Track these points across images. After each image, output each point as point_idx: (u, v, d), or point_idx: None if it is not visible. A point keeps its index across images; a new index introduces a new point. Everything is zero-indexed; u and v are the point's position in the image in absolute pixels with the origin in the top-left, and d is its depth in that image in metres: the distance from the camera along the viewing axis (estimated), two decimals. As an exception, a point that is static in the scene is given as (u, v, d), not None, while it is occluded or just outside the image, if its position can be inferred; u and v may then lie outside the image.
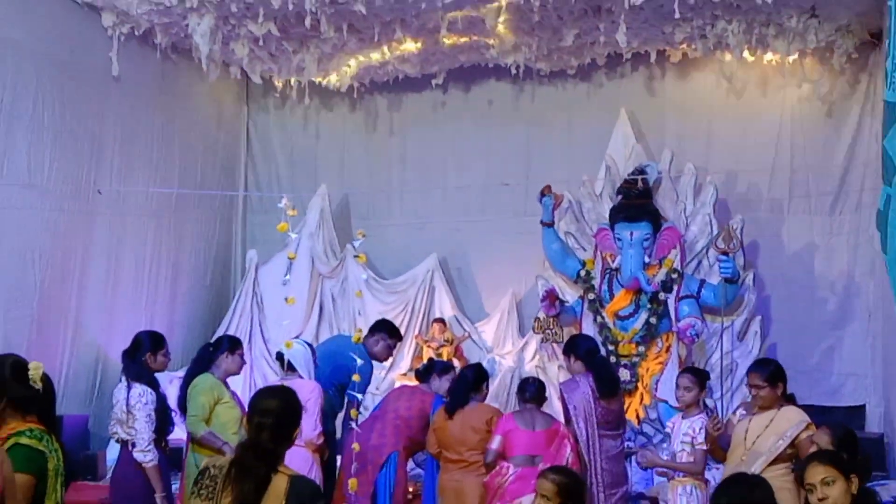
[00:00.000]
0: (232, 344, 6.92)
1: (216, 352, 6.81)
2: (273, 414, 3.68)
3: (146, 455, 6.24)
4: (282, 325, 9.77)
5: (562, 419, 7.13)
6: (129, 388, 6.35)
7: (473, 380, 7.13)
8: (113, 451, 8.72)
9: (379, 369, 9.42)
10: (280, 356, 7.57)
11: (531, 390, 6.88)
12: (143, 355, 6.50)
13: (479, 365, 7.80)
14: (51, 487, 3.92)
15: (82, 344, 9.15)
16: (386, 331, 7.87)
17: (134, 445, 6.28)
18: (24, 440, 3.86)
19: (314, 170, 11.37)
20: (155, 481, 6.29)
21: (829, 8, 8.58)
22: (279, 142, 11.73)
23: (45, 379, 4.12)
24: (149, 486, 6.29)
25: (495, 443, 6.59)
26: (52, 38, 8.70)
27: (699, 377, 6.97)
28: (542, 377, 9.53)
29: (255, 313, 10.60)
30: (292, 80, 10.48)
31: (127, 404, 6.30)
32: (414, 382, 8.03)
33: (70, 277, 9.02)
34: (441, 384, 7.56)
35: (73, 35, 8.96)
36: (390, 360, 8.44)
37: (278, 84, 10.67)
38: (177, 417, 6.73)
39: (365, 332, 7.71)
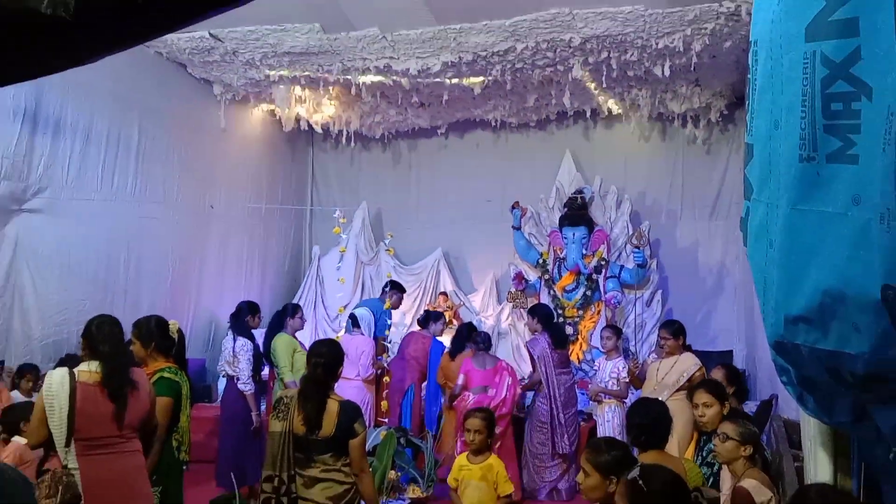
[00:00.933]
0: (293, 309, 6.97)
1: (285, 316, 6.85)
2: (324, 357, 3.74)
3: (246, 386, 6.35)
4: (336, 297, 9.85)
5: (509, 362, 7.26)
6: (234, 339, 6.46)
7: (466, 333, 7.21)
8: (222, 384, 8.85)
9: (401, 328, 9.55)
10: (352, 317, 7.66)
11: (483, 340, 6.97)
12: (244, 317, 6.61)
13: (470, 323, 7.86)
14: (183, 406, 4.00)
15: (200, 310, 9.22)
16: (396, 288, 8.04)
17: (238, 379, 6.37)
18: (165, 374, 3.95)
19: (357, 191, 11.40)
20: (252, 404, 6.38)
21: (708, 80, 8.62)
22: (334, 172, 11.75)
23: (180, 332, 4.20)
24: (247, 407, 6.38)
25: (460, 380, 6.71)
26: (179, 102, 8.74)
27: (615, 331, 7.07)
28: (512, 332, 9.69)
29: (317, 289, 10.68)
30: (343, 130, 10.50)
31: (233, 351, 6.41)
32: (418, 329, 8.06)
33: (192, 265, 9.08)
34: (436, 327, 7.66)
35: (193, 100, 9.01)
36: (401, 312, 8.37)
37: (333, 132, 10.70)
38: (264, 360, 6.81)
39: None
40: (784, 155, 1.76)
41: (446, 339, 7.79)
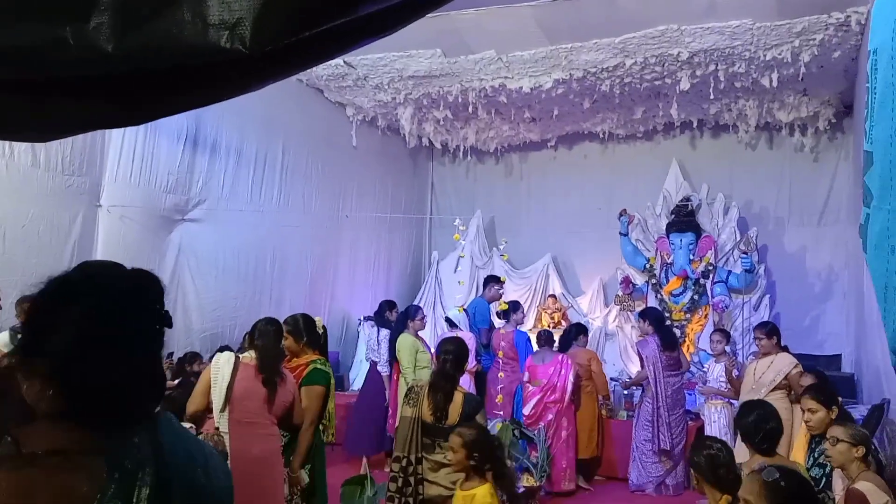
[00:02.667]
0: (415, 311, 7.10)
1: (407, 318, 7.00)
2: (452, 353, 3.80)
3: (384, 369, 6.76)
4: (454, 298, 9.93)
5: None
6: (378, 331, 6.95)
7: (575, 333, 7.12)
8: (354, 372, 9.14)
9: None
10: (448, 319, 7.78)
11: (542, 339, 6.93)
12: (384, 312, 7.05)
13: (579, 324, 7.73)
14: (331, 393, 4.14)
15: (335, 308, 9.53)
16: (492, 280, 7.99)
17: (378, 363, 6.84)
18: (318, 365, 4.11)
19: (473, 201, 11.45)
20: (386, 384, 6.78)
21: (816, 89, 8.16)
22: (451, 184, 11.86)
23: (324, 328, 4.38)
24: (383, 387, 6.75)
25: (525, 376, 6.78)
26: (316, 123, 9.09)
27: (725, 335, 6.79)
28: (619, 334, 9.45)
29: (436, 291, 10.80)
30: (460, 146, 10.59)
31: (377, 340, 6.90)
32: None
33: (327, 268, 9.41)
34: (516, 317, 7.45)
35: (328, 120, 9.33)
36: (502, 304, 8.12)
37: (451, 147, 10.81)
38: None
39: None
40: (908, 161, 1.64)
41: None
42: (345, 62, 7.85)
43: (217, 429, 3.67)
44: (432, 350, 6.32)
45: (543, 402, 6.69)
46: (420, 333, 7.09)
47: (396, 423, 3.97)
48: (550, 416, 6.64)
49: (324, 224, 9.24)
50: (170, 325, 1.17)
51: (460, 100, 8.59)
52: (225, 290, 7.65)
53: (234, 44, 1.10)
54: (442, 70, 7.81)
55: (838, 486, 3.51)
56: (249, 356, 3.83)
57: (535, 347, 7.13)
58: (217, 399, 3.70)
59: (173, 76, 1.28)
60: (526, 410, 6.72)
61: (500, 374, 7.10)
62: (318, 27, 1.05)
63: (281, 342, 3.97)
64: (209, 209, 7.54)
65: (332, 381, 4.19)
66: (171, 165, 7.11)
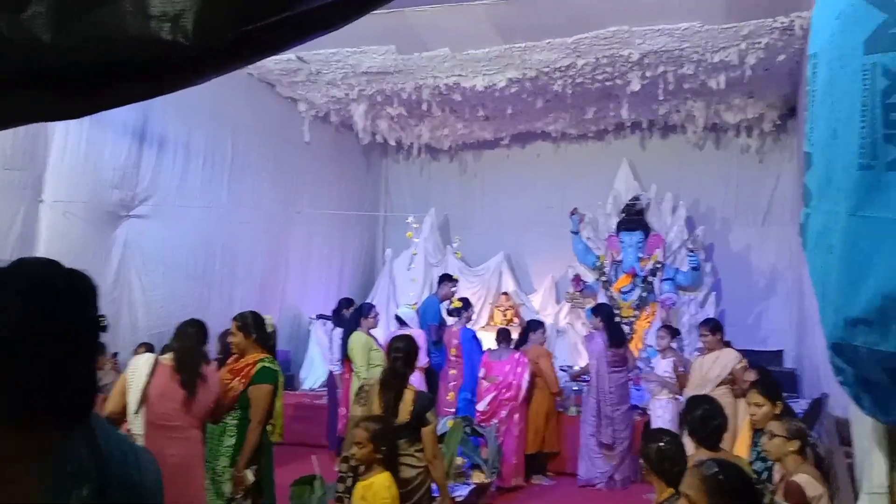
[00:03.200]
0: (368, 309, 7.08)
1: (360, 316, 6.98)
2: (402, 350, 3.79)
3: (336, 367, 6.97)
4: (408, 295, 9.92)
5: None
6: (333, 329, 7.08)
7: (532, 328, 7.23)
8: (304, 372, 9.06)
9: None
10: (397, 317, 7.81)
11: (500, 337, 7.04)
12: (341, 310, 7.06)
13: (534, 320, 7.80)
14: (279, 392, 4.09)
15: (286, 306, 9.41)
16: (446, 279, 8.05)
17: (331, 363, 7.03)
18: (266, 364, 4.06)
19: (427, 199, 11.43)
20: (339, 383, 6.91)
21: (762, 92, 8.39)
22: (406, 181, 11.83)
23: (273, 328, 4.33)
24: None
25: (481, 372, 6.89)
26: (268, 119, 8.96)
27: (670, 331, 6.95)
28: (570, 330, 9.58)
29: (390, 289, 10.75)
30: (414, 143, 10.57)
31: (329, 339, 7.04)
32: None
33: (279, 265, 9.29)
34: (467, 314, 7.50)
35: (280, 116, 9.21)
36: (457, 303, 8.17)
37: (405, 144, 10.78)
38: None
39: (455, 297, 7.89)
40: (843, 163, 1.70)
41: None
42: (297, 57, 7.76)
43: (129, 430, 3.66)
44: (386, 348, 6.31)
45: (498, 399, 6.75)
46: (373, 331, 7.07)
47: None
48: (504, 413, 6.71)
49: (275, 221, 9.12)
50: (104, 329, 1.15)
51: (414, 97, 8.57)
52: (172, 287, 7.49)
53: (176, 36, 1.08)
54: (396, 67, 7.78)
55: (778, 478, 3.62)
56: (169, 357, 3.85)
57: (494, 345, 7.17)
58: (132, 400, 3.70)
59: (116, 67, 1.24)
60: (480, 407, 6.76)
61: (452, 371, 7.13)
62: (261, 21, 1.04)
63: (204, 343, 3.95)
64: (156, 205, 7.37)
65: (282, 379, 4.14)
66: (116, 160, 6.91)
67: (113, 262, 6.97)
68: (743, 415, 5.04)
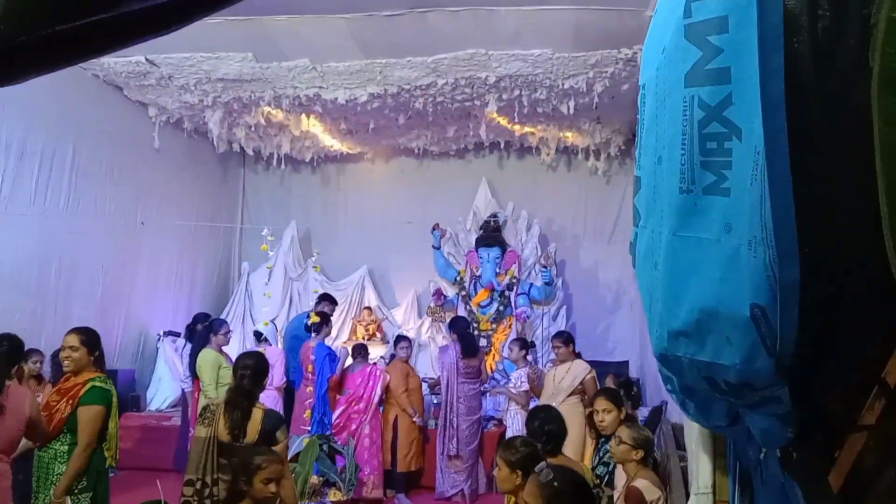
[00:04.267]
0: (219, 325, 6.80)
1: (210, 332, 6.71)
2: (250, 367, 3.69)
3: (186, 385, 6.60)
4: (262, 311, 9.65)
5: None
6: (184, 345, 6.72)
7: (396, 342, 7.25)
8: (151, 392, 8.56)
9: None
10: (256, 333, 7.57)
11: (358, 350, 7.09)
12: (196, 325, 6.74)
13: (399, 335, 7.78)
14: (113, 413, 3.83)
15: (131, 323, 8.85)
16: (326, 299, 7.94)
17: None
18: (97, 383, 3.79)
19: (287, 211, 11.21)
20: (190, 401, 6.55)
21: (608, 118, 8.90)
22: (264, 193, 11.52)
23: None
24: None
25: (342, 391, 6.90)
26: (114, 123, 8.44)
27: (520, 343, 7.21)
28: (431, 344, 9.67)
29: (246, 303, 10.41)
30: (274, 153, 10.32)
31: (180, 355, 6.67)
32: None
33: (124, 279, 8.73)
34: (326, 329, 7.43)
35: (127, 120, 8.70)
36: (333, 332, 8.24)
37: (264, 154, 10.51)
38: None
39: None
40: (666, 187, 1.83)
41: (377, 351, 7.72)
42: (146, 59, 7.37)
43: None
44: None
45: (348, 412, 6.71)
46: (227, 349, 6.81)
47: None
48: (354, 426, 6.69)
49: (120, 231, 8.57)
50: None
51: (272, 106, 8.38)
52: (2, 302, 6.83)
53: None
54: (253, 75, 7.57)
55: (620, 482, 3.82)
56: None
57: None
58: None
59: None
60: (332, 420, 6.73)
61: (308, 388, 6.99)
62: (74, 21, 0.97)
63: (16, 360, 3.62)
64: (-17, 211, 6.72)
65: (115, 400, 3.88)
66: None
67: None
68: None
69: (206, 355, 6.40)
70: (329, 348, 7.03)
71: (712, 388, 1.91)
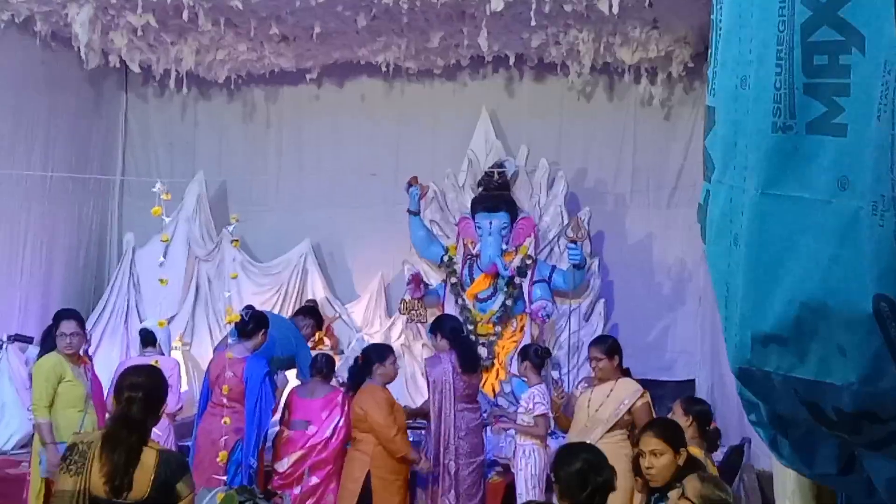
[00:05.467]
0: (56, 320, 6.73)
1: (54, 330, 6.65)
2: (142, 388, 3.67)
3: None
4: (157, 304, 9.59)
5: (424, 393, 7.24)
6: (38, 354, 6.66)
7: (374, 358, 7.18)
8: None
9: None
10: (143, 332, 7.51)
11: (318, 365, 7.03)
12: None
13: (376, 345, 7.71)
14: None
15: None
16: (307, 313, 8.09)
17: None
18: None
19: (192, 157, 11.15)
20: None
21: (669, 20, 8.84)
22: (158, 129, 11.45)
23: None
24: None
25: (282, 416, 6.94)
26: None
27: (523, 353, 7.18)
28: (407, 355, 9.66)
29: (131, 294, 10.36)
30: (171, 70, 10.23)
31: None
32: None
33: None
34: (258, 338, 7.40)
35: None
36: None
37: (157, 72, 10.41)
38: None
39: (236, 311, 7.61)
40: (753, 122, 1.82)
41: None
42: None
43: None
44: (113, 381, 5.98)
45: (309, 459, 6.66)
46: (103, 358, 6.82)
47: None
48: (315, 480, 6.64)
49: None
50: None
51: (170, 1, 8.29)
52: None
53: None
54: (141, -47, 7.51)
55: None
56: None
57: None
58: None
59: None
60: (280, 467, 6.68)
61: (226, 419, 6.96)
62: None
63: None
64: None
65: None
66: None
67: None
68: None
69: (43, 362, 6.40)
70: (266, 362, 6.87)
71: (817, 419, 1.92)
